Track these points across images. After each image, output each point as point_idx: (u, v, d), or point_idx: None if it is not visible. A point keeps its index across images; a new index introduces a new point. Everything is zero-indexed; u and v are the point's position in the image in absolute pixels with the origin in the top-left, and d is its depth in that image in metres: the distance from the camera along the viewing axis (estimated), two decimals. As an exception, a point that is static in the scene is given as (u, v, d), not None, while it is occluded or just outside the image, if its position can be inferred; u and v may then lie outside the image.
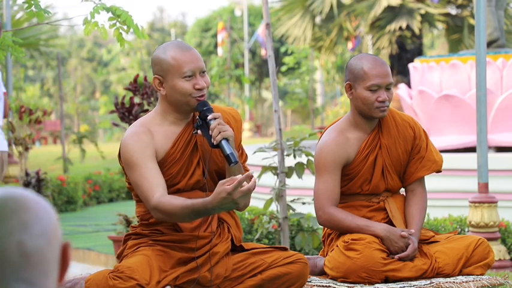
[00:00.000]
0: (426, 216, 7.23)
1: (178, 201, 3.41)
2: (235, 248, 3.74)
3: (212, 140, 3.50)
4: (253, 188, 3.26)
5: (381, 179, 4.18)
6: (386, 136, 4.18)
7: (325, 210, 4.10)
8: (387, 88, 4.09)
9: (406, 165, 4.23)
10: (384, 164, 4.17)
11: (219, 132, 3.49)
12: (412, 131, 4.22)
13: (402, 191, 4.35)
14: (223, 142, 3.49)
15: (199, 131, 3.58)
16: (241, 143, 3.83)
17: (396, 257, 4.04)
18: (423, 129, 4.29)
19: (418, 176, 4.22)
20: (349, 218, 4.08)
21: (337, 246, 4.10)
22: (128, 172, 3.57)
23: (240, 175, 3.26)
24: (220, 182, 3.27)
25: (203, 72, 3.62)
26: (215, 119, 3.53)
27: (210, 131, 3.52)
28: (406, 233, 4.05)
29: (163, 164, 3.63)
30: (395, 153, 4.18)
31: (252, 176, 3.29)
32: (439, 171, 4.26)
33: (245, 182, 3.26)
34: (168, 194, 3.64)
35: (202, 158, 3.68)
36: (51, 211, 1.49)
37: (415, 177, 4.22)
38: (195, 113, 3.68)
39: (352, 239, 4.04)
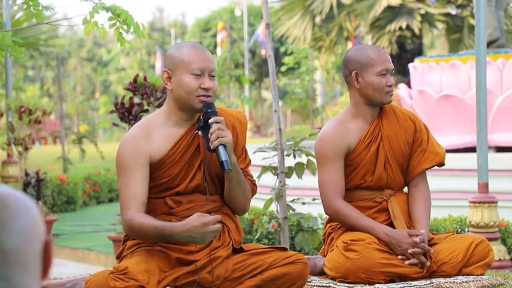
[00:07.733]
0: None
1: (147, 222, 3.46)
2: (235, 249, 3.73)
3: (210, 143, 3.50)
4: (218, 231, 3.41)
5: (384, 170, 4.19)
6: (387, 127, 4.21)
7: (332, 202, 4.12)
8: (391, 73, 4.20)
9: (409, 158, 4.24)
10: (386, 157, 4.19)
11: (217, 138, 3.49)
12: (412, 124, 4.26)
13: (405, 190, 4.35)
14: (220, 148, 3.48)
15: (200, 132, 3.58)
16: (245, 146, 3.82)
17: (399, 257, 4.03)
18: (423, 123, 4.33)
19: (421, 169, 4.22)
20: (355, 216, 4.10)
21: (336, 246, 4.10)
22: (117, 175, 3.62)
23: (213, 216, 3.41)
24: (198, 213, 3.39)
25: (212, 75, 3.62)
26: (217, 123, 3.52)
27: (209, 135, 3.52)
28: (418, 239, 4.03)
29: (161, 164, 3.62)
30: (397, 145, 4.20)
31: (219, 221, 3.42)
32: (442, 163, 4.27)
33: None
34: (168, 196, 3.64)
35: (204, 161, 3.66)
36: (31, 208, 1.49)
37: (419, 170, 4.22)
38: (201, 114, 3.65)
39: (352, 240, 4.04)
